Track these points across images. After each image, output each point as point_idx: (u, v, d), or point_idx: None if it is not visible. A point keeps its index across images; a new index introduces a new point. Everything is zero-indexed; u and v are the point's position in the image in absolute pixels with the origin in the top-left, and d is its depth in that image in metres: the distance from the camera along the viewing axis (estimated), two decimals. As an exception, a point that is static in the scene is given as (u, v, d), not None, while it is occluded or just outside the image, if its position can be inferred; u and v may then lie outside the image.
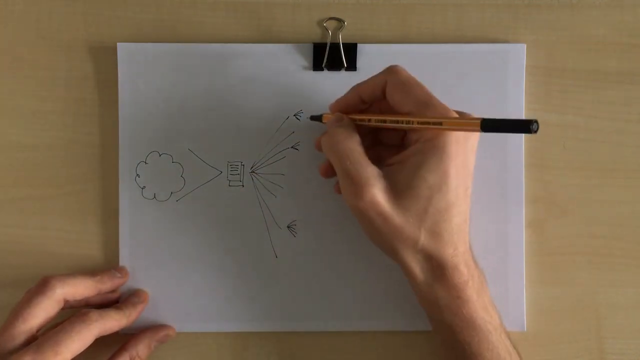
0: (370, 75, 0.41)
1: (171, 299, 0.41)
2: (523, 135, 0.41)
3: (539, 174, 0.42)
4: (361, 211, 0.34)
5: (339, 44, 0.41)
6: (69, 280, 0.36)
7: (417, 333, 0.41)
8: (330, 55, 0.41)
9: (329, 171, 0.38)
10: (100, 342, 0.36)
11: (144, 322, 0.40)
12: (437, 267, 0.34)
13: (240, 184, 0.41)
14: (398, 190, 0.33)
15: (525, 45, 0.41)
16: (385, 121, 0.35)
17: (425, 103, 0.33)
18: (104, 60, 0.42)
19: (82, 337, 0.34)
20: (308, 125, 0.41)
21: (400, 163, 0.34)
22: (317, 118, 0.40)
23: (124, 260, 0.41)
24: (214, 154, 0.41)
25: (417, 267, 0.34)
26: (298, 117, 0.42)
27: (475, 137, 0.35)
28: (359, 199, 0.33)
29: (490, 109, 0.41)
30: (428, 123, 0.32)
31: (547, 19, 0.42)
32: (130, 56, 0.41)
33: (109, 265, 0.41)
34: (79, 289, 0.37)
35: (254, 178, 0.41)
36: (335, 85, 0.41)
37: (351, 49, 0.41)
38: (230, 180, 0.41)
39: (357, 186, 0.33)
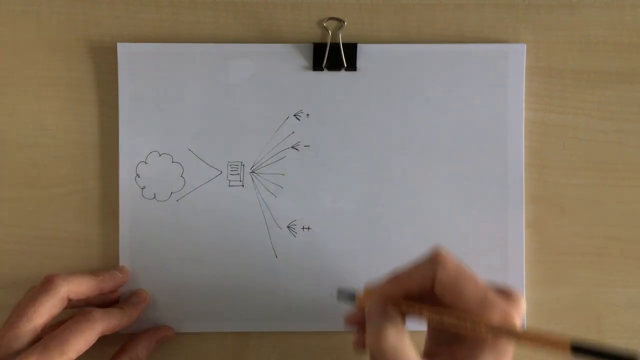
0: (369, 77, 0.41)
1: (171, 299, 0.41)
2: (523, 135, 0.41)
3: (539, 174, 0.42)
4: None
5: (339, 44, 0.41)
6: (72, 278, 0.36)
7: (417, 333, 0.41)
8: (330, 55, 0.41)
9: (356, 321, 0.35)
10: (99, 342, 0.36)
11: (144, 321, 0.40)
12: None
13: (240, 184, 0.41)
14: None
15: (525, 45, 0.41)
16: (443, 320, 0.30)
17: (482, 302, 0.30)
18: (104, 60, 0.42)
19: (87, 336, 0.34)
20: (308, 125, 0.41)
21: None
22: (347, 296, 0.34)
23: (124, 260, 0.41)
24: (214, 154, 0.41)
25: None
26: (298, 117, 0.42)
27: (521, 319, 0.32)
28: None
29: (490, 109, 0.41)
30: (502, 332, 0.28)
31: (547, 19, 0.42)
32: (130, 56, 0.41)
33: (109, 265, 0.41)
34: (82, 287, 0.37)
35: (254, 178, 0.41)
36: (335, 85, 0.41)
37: (351, 49, 0.41)
38: (230, 180, 0.41)
39: None
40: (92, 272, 0.39)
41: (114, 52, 0.42)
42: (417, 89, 0.41)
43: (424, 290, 0.32)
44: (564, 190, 0.42)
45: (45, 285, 0.35)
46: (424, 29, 0.42)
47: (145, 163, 0.42)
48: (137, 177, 0.41)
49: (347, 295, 0.34)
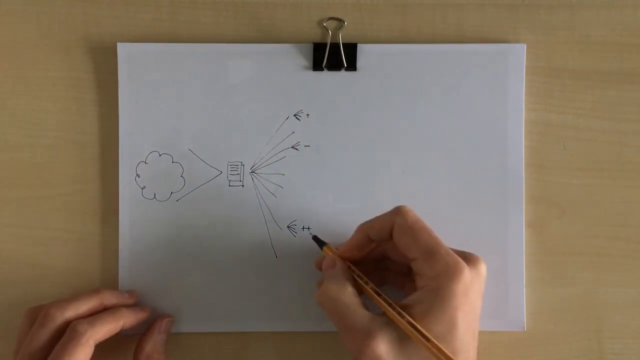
0: (369, 77, 0.41)
1: (171, 299, 0.41)
2: (523, 135, 0.41)
3: (539, 174, 0.42)
4: None
5: (339, 44, 0.41)
6: (96, 323, 0.35)
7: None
8: (330, 55, 0.41)
9: (319, 266, 0.38)
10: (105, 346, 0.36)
11: (145, 323, 0.40)
12: None
13: (240, 184, 0.41)
14: (403, 338, 0.32)
15: (525, 45, 0.41)
16: (380, 296, 0.34)
17: (430, 251, 0.33)
18: (104, 60, 0.42)
19: (77, 356, 0.34)
20: (308, 125, 0.41)
21: (406, 309, 0.33)
22: (319, 242, 0.39)
23: (123, 259, 0.41)
24: (214, 154, 0.41)
25: None
26: (298, 117, 0.42)
27: (481, 282, 0.34)
28: (360, 354, 0.32)
29: (490, 109, 0.41)
30: (427, 341, 0.31)
31: (547, 19, 0.42)
32: (130, 56, 0.41)
33: (109, 265, 0.41)
34: (105, 331, 0.36)
35: (254, 178, 0.41)
36: (335, 85, 0.41)
37: (351, 49, 0.41)
38: (230, 180, 0.41)
39: (356, 340, 0.32)
40: (96, 290, 0.38)
41: (114, 52, 0.42)
42: (417, 89, 0.41)
43: (384, 236, 0.35)
44: (564, 190, 0.42)
45: (71, 334, 0.34)
46: (424, 29, 0.42)
47: (145, 163, 0.42)
48: (137, 177, 0.41)
49: (319, 244, 0.39)
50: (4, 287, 0.41)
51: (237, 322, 0.41)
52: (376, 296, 0.34)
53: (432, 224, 0.41)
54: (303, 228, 0.41)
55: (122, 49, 0.41)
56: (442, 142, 0.41)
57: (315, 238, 0.40)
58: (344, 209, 0.41)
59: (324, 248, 0.38)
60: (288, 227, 0.41)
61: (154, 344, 0.39)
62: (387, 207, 0.41)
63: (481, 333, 0.41)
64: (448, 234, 0.41)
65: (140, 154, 0.41)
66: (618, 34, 0.42)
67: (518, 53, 0.41)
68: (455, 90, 0.41)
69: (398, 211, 0.35)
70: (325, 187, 0.41)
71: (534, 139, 0.42)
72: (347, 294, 0.34)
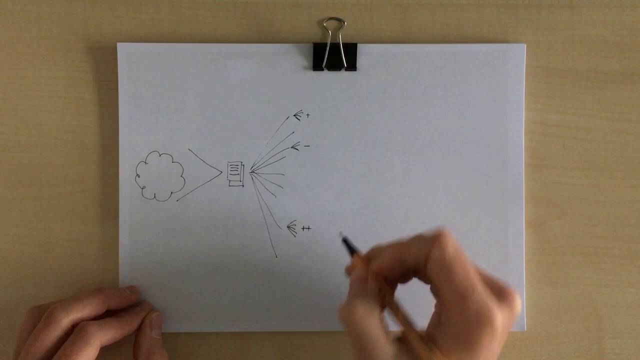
0: (369, 77, 0.41)
1: (171, 299, 0.41)
2: (523, 135, 0.41)
3: (539, 174, 0.42)
4: None
5: (339, 44, 0.41)
6: (104, 325, 0.36)
7: (417, 333, 0.41)
8: (330, 55, 0.41)
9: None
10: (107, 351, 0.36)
11: (144, 322, 0.41)
12: None
13: (240, 184, 0.41)
14: None
15: (525, 45, 0.41)
16: (410, 331, 0.31)
17: (463, 295, 0.30)
18: (104, 60, 0.42)
19: (84, 355, 0.34)
20: (308, 125, 0.41)
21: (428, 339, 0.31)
22: (349, 248, 0.36)
23: (124, 259, 0.41)
24: (214, 154, 0.41)
25: None
26: (298, 117, 0.42)
27: (512, 320, 0.31)
28: None
29: (490, 109, 0.41)
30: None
31: (547, 19, 0.42)
32: (130, 56, 0.41)
33: (108, 265, 0.41)
34: (112, 333, 0.37)
35: (254, 178, 0.41)
36: (335, 85, 0.41)
37: (351, 49, 0.41)
38: (230, 180, 0.41)
39: None
40: (98, 290, 0.38)
41: (114, 52, 0.42)
42: (417, 89, 0.41)
43: (419, 265, 0.32)
44: (564, 190, 0.42)
45: (81, 333, 0.35)
46: (424, 29, 0.42)
47: (145, 163, 0.42)
48: (137, 177, 0.41)
49: (348, 248, 0.36)
50: (4, 287, 0.41)
51: (237, 322, 0.41)
52: (406, 328, 0.32)
53: (432, 224, 0.41)
54: (303, 228, 0.41)
55: (122, 49, 0.41)
56: (442, 142, 0.41)
57: (345, 241, 0.36)
58: (344, 209, 0.41)
59: (354, 257, 0.35)
60: (288, 227, 0.41)
61: (149, 341, 0.39)
62: (387, 207, 0.41)
63: (481, 333, 0.41)
64: (448, 234, 0.41)
65: (140, 154, 0.41)
66: (618, 34, 0.42)
67: (518, 53, 0.41)
68: (455, 90, 0.41)
69: (436, 239, 0.31)
70: (325, 187, 0.41)
71: (534, 139, 0.42)
72: (375, 323, 0.31)
